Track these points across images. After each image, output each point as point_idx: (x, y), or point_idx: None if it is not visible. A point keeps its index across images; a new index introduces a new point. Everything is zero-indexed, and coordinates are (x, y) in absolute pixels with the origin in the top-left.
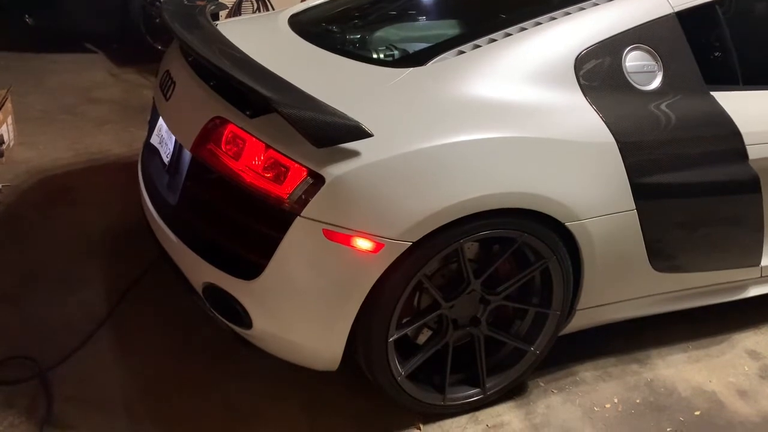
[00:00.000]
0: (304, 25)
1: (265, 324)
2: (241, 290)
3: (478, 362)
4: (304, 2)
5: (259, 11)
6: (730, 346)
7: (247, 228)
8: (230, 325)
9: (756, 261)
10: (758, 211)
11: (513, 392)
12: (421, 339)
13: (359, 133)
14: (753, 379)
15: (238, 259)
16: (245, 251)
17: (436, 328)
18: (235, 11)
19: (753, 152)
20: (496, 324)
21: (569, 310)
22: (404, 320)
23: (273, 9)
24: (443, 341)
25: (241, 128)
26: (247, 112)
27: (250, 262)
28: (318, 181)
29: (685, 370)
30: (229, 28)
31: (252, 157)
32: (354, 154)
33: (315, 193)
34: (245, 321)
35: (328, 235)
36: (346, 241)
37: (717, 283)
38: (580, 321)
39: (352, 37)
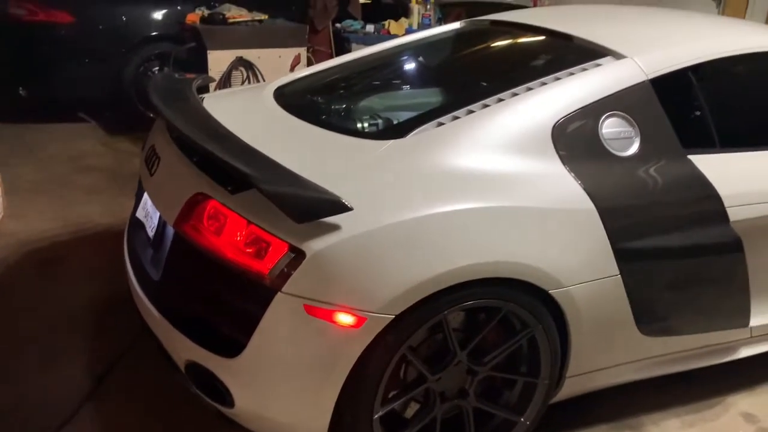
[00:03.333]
0: (288, 98)
1: (247, 403)
2: (223, 368)
3: None
4: (292, 73)
5: (249, 81)
6: (724, 410)
7: (228, 304)
8: (213, 403)
9: (744, 322)
10: (743, 272)
11: None
12: (409, 413)
13: (339, 207)
14: None
15: (219, 337)
16: (226, 328)
17: (423, 401)
18: (225, 81)
19: (733, 214)
20: (485, 395)
21: (558, 378)
22: (391, 394)
23: (263, 79)
24: (431, 415)
25: (223, 204)
26: (229, 188)
27: (231, 340)
28: (299, 255)
29: None
30: (213, 102)
31: (233, 232)
32: (334, 228)
33: (296, 268)
34: (227, 400)
35: (309, 310)
36: (328, 316)
37: (707, 345)
38: (570, 389)
39: (335, 107)
